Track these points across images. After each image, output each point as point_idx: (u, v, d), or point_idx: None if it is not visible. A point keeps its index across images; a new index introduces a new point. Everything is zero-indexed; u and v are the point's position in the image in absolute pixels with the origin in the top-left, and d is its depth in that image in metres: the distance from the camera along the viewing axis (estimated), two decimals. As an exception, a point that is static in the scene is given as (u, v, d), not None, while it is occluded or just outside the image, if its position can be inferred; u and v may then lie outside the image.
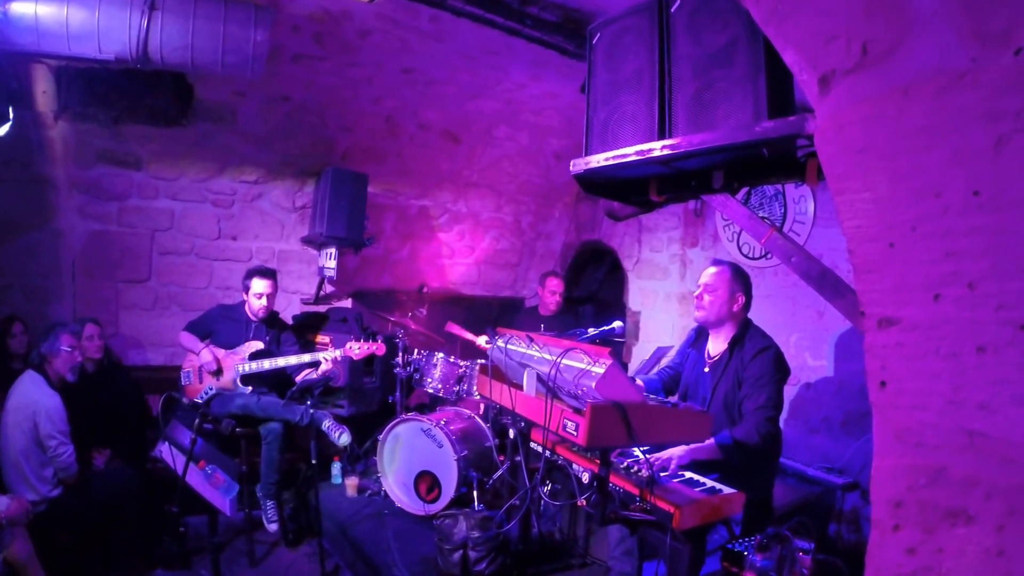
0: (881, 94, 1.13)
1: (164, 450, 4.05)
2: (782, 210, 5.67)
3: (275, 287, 5.29)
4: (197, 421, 3.83)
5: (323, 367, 5.07)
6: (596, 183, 2.94)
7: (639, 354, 7.16)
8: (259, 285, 5.17)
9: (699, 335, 3.89)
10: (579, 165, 2.76)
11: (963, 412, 1.05)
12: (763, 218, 2.47)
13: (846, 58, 1.18)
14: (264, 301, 5.20)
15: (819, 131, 1.25)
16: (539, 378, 2.92)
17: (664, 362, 4.23)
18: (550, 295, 6.34)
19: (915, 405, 1.11)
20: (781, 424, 3.56)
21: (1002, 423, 1.00)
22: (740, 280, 3.61)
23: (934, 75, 1.05)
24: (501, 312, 8.15)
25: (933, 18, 1.05)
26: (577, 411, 2.65)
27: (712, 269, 3.63)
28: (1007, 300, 0.98)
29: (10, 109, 4.58)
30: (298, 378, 5.28)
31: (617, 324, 4.52)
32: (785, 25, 1.30)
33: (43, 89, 4.90)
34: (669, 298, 6.99)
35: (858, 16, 1.15)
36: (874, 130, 1.14)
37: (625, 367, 6.94)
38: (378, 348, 5.25)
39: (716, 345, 3.69)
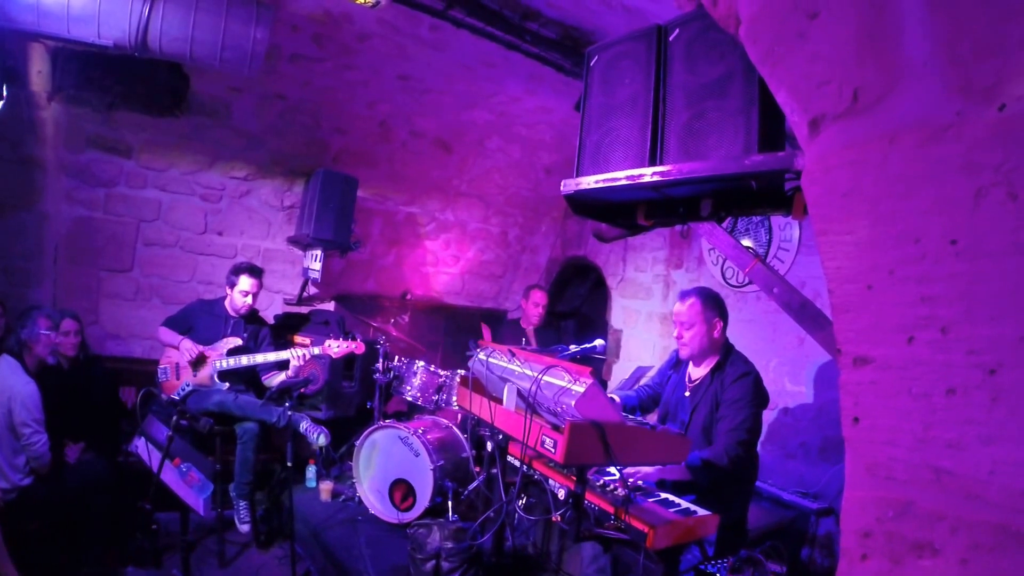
0: (868, 140, 1.16)
1: (140, 445, 4.03)
2: (767, 236, 5.74)
3: (260, 286, 5.30)
4: (174, 418, 3.82)
5: (293, 364, 5.07)
6: (585, 204, 2.97)
7: (619, 372, 7.20)
8: (246, 283, 5.17)
9: (680, 359, 3.92)
10: (569, 185, 2.79)
11: (932, 449, 1.08)
12: (748, 248, 2.50)
13: (837, 103, 1.22)
14: (249, 299, 5.20)
15: (807, 172, 1.29)
16: (519, 393, 2.94)
17: (644, 381, 4.26)
18: (533, 307, 6.38)
19: (886, 441, 1.15)
20: (758, 448, 3.60)
21: (968, 461, 1.04)
22: (713, 306, 3.63)
23: (919, 125, 1.09)
24: (483, 323, 8.17)
25: (922, 70, 1.09)
26: (556, 428, 2.68)
27: (682, 306, 3.65)
28: (977, 346, 1.02)
29: (4, 87, 4.56)
30: (264, 378, 5.29)
31: (599, 342, 4.55)
32: (779, 67, 1.33)
33: (38, 69, 4.90)
34: (651, 318, 7.04)
35: (850, 64, 1.19)
36: (859, 175, 1.18)
37: (604, 385, 6.98)
38: (357, 347, 5.27)
39: (697, 370, 3.72)
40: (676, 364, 3.97)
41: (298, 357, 5.07)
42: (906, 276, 1.11)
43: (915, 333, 1.10)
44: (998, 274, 0.99)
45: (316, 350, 5.20)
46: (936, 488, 1.08)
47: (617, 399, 3.90)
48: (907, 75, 1.11)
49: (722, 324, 3.63)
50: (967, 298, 1.03)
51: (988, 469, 1.01)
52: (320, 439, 4.81)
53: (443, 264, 7.90)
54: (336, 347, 5.20)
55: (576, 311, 8.75)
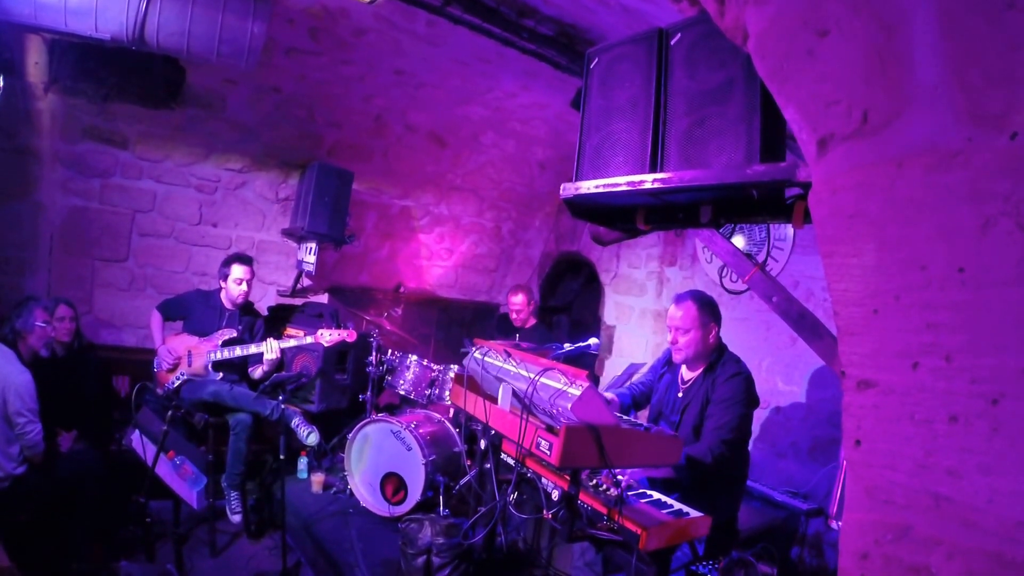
0: (875, 163, 1.16)
1: (135, 439, 4.02)
2: (761, 234, 5.74)
3: (253, 274, 5.31)
4: (170, 413, 3.82)
5: (267, 357, 5.13)
6: (585, 208, 2.96)
7: (612, 369, 7.21)
8: (239, 271, 5.18)
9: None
10: (569, 190, 2.78)
11: (931, 475, 1.09)
12: (747, 255, 2.51)
13: (846, 124, 1.21)
14: (244, 287, 5.22)
15: (814, 192, 1.29)
16: (515, 394, 2.94)
17: (636, 378, 4.27)
18: (512, 311, 6.36)
19: (886, 465, 1.16)
20: (749, 446, 3.62)
21: (967, 489, 1.04)
22: (708, 311, 3.63)
23: (927, 151, 1.09)
24: (475, 317, 8.17)
25: (932, 95, 1.09)
26: (550, 429, 2.68)
27: (678, 311, 3.65)
28: (981, 375, 1.02)
29: (0, 78, 4.53)
30: (250, 368, 5.31)
31: (593, 341, 4.56)
32: (787, 85, 1.33)
33: (35, 60, 4.85)
34: (644, 314, 7.05)
35: (860, 85, 1.19)
36: (866, 198, 1.18)
37: (597, 381, 7.00)
38: (349, 335, 5.28)
39: (690, 371, 3.73)
40: (670, 361, 3.97)
41: (274, 350, 5.11)
42: (912, 302, 1.11)
43: (919, 359, 1.10)
44: (1003, 305, 0.99)
45: (308, 339, 5.23)
46: (935, 514, 1.09)
47: (614, 397, 3.91)
48: (917, 99, 1.11)
49: (717, 329, 3.64)
50: (972, 327, 1.03)
51: (986, 498, 1.02)
52: (310, 438, 4.83)
53: (437, 257, 7.89)
54: (328, 336, 5.22)
55: (569, 306, 8.75)
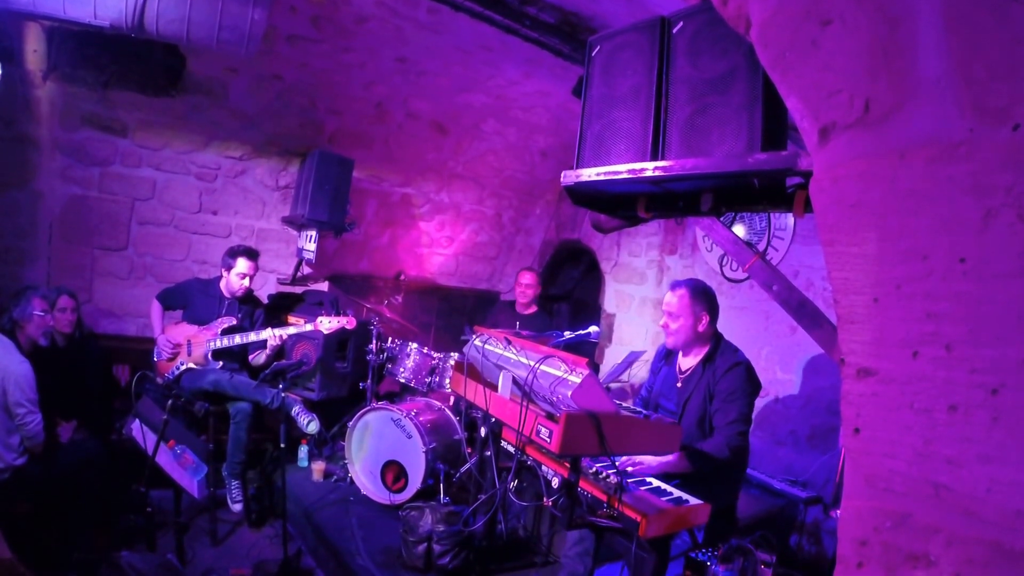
0: (878, 153, 1.16)
1: (135, 428, 4.03)
2: (762, 223, 5.73)
3: (257, 268, 5.32)
4: (170, 402, 3.83)
5: (270, 343, 5.15)
6: (586, 196, 2.96)
7: (612, 357, 7.22)
8: (244, 265, 5.19)
9: (670, 350, 3.94)
10: (570, 177, 2.78)
11: (931, 464, 1.10)
12: (748, 244, 2.51)
13: (848, 113, 1.21)
14: (246, 281, 5.23)
15: (815, 180, 1.29)
16: (515, 381, 2.95)
17: (636, 372, 4.28)
18: (520, 288, 6.37)
19: (886, 453, 1.16)
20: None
21: (967, 478, 1.05)
22: (701, 300, 3.65)
23: (930, 142, 1.09)
24: (476, 305, 8.18)
25: (935, 87, 1.09)
26: (551, 417, 2.69)
27: (672, 297, 3.68)
28: (981, 365, 1.03)
29: (-1, 65, 4.54)
30: (251, 356, 5.32)
31: (593, 329, 4.56)
32: (790, 75, 1.33)
33: (34, 48, 4.83)
34: (644, 303, 7.06)
35: (862, 76, 1.19)
36: (868, 188, 1.18)
37: (596, 369, 7.01)
38: (348, 322, 5.30)
39: (688, 360, 3.75)
40: (667, 356, 3.99)
41: (275, 336, 5.12)
42: (913, 292, 1.11)
43: (920, 349, 1.11)
44: (1004, 296, 1.00)
45: (308, 327, 5.24)
46: (934, 502, 1.09)
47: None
48: (920, 91, 1.11)
49: (708, 318, 3.65)
50: (973, 318, 1.04)
51: (985, 487, 1.03)
52: (311, 427, 4.84)
53: (437, 245, 7.89)
54: (327, 323, 5.23)
55: (569, 294, 8.76)
